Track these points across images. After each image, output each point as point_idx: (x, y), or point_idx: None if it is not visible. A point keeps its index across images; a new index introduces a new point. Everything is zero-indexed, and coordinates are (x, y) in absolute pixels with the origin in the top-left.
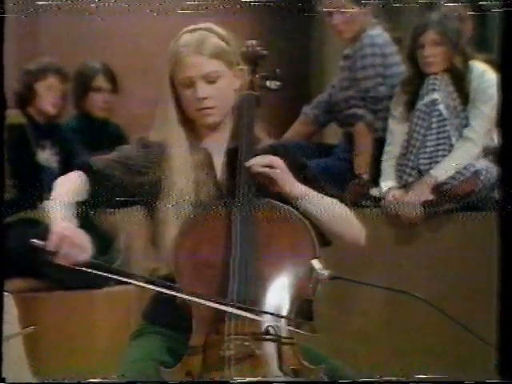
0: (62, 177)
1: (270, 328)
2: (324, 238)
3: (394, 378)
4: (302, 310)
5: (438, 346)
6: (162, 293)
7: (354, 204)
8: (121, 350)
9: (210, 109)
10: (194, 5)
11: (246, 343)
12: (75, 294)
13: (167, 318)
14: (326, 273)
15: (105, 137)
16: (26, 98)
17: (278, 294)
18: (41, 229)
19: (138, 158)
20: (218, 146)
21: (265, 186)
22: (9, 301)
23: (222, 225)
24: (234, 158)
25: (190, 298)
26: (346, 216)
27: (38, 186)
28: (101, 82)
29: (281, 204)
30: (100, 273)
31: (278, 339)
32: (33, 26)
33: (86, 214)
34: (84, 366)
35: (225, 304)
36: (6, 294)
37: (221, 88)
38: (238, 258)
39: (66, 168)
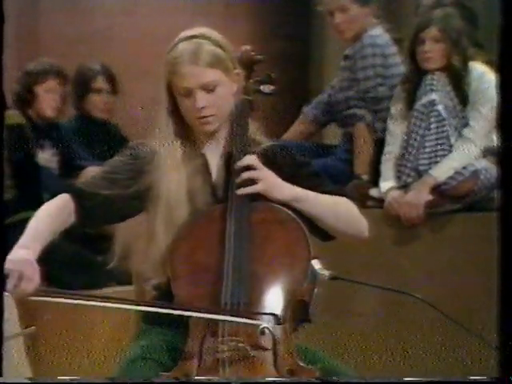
0: (48, 202)
1: (265, 329)
2: (326, 233)
3: (393, 379)
4: (298, 310)
5: (438, 346)
6: (161, 299)
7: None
8: (120, 351)
9: (210, 117)
10: (194, 6)
11: (241, 344)
12: None
13: (166, 320)
14: (326, 273)
15: (104, 138)
16: (26, 99)
17: (273, 295)
18: None
19: (125, 170)
20: (214, 150)
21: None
22: (9, 301)
23: (218, 228)
24: (229, 161)
25: (185, 313)
26: (349, 211)
27: (37, 186)
28: (101, 83)
29: (275, 205)
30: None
31: (273, 340)
32: (33, 26)
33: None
34: (84, 366)
35: (219, 313)
36: (6, 293)
37: (219, 95)
38: (231, 260)
39: (65, 169)
